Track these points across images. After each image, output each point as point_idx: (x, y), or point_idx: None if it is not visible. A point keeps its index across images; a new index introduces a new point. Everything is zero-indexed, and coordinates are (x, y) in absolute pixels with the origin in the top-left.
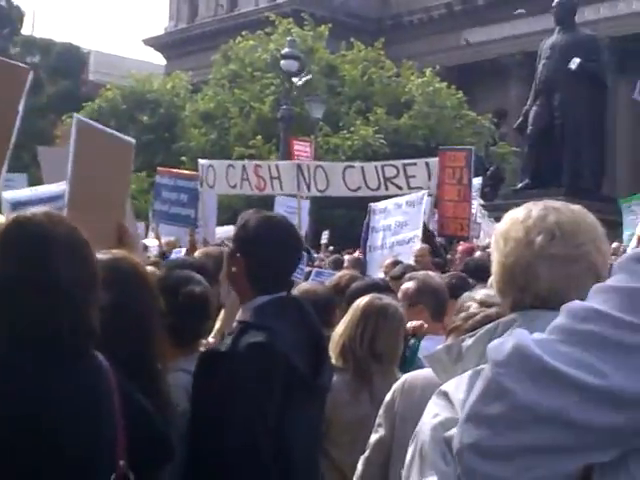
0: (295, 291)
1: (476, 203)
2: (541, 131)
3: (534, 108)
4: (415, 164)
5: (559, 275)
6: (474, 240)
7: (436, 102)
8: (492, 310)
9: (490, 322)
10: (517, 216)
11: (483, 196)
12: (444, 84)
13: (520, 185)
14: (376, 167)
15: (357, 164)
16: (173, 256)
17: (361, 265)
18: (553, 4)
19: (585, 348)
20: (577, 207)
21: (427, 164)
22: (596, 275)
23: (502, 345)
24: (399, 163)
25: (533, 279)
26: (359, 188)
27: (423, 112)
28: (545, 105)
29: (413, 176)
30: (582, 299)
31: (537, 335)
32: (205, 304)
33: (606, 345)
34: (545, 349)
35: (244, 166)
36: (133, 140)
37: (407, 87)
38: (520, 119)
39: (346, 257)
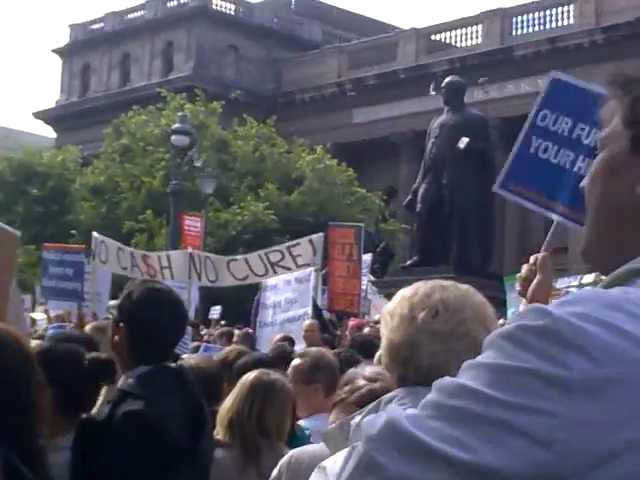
0: (181, 364)
1: (366, 279)
2: (430, 209)
3: (423, 186)
4: (299, 244)
5: (441, 351)
6: (365, 316)
7: (326, 179)
8: (377, 385)
9: (374, 396)
10: (405, 294)
11: (373, 272)
12: (335, 161)
13: (409, 262)
14: (260, 255)
15: (240, 257)
16: (53, 331)
17: (251, 340)
18: (442, 84)
19: (455, 423)
20: (465, 286)
21: (311, 241)
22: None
23: (375, 420)
24: (283, 247)
25: (415, 355)
26: (247, 277)
27: (314, 188)
28: (434, 183)
29: (299, 255)
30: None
31: (410, 410)
32: (91, 376)
33: (475, 420)
34: (416, 424)
35: (132, 253)
36: (18, 232)
37: (298, 164)
38: (409, 197)
39: (236, 332)
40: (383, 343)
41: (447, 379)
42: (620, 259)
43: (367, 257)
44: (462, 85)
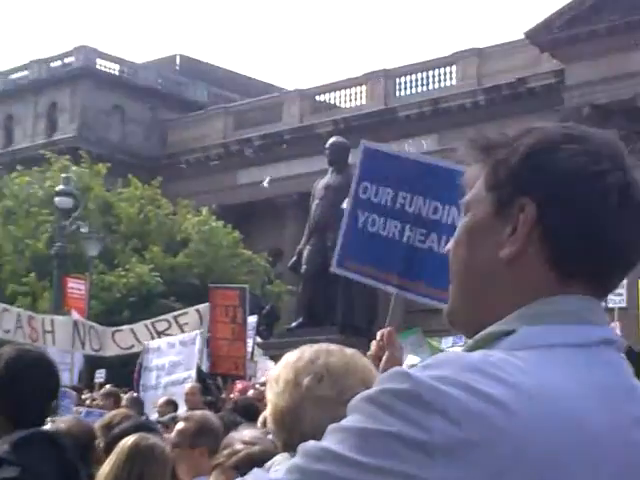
0: (57, 428)
1: (252, 341)
2: (315, 270)
3: (308, 247)
4: (186, 313)
5: (325, 417)
6: (251, 378)
7: (212, 241)
8: (256, 448)
9: (252, 460)
10: (290, 358)
11: (259, 334)
12: (220, 223)
13: (294, 324)
14: (146, 325)
15: (125, 327)
16: None
17: (139, 404)
18: (327, 145)
19: None
20: (351, 351)
21: (198, 310)
22: None
23: None
24: (170, 316)
25: (299, 420)
26: (132, 346)
27: (199, 250)
28: (318, 244)
29: (186, 324)
30: None
31: (273, 474)
32: None
33: None
34: None
35: (19, 314)
36: None
37: (183, 225)
38: (294, 258)
39: (124, 396)
40: (268, 408)
41: (312, 443)
42: (485, 322)
43: (252, 319)
44: (346, 146)
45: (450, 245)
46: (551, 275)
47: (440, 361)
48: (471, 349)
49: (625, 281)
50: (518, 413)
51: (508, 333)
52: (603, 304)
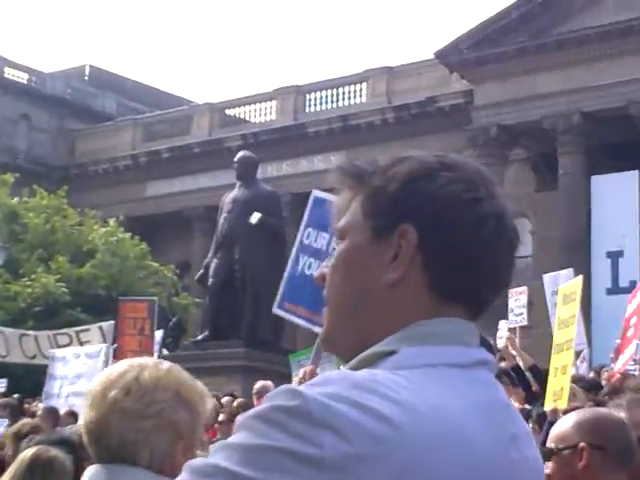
0: None
1: (156, 355)
2: (221, 283)
3: (215, 260)
4: (89, 330)
5: (129, 429)
6: None
7: (119, 252)
8: None
9: None
10: (105, 372)
11: (166, 347)
12: (128, 234)
13: (200, 337)
14: (48, 336)
15: (32, 332)
16: None
17: (54, 415)
18: (235, 159)
19: None
20: (168, 365)
21: (101, 328)
22: (176, 431)
23: None
24: (72, 331)
25: (106, 433)
26: (35, 356)
27: (106, 262)
28: (225, 258)
29: (87, 341)
30: (156, 455)
31: None
32: None
33: None
34: None
35: None
36: None
37: (90, 236)
38: (201, 271)
39: (27, 406)
40: (81, 420)
41: (199, 460)
42: (364, 345)
43: (158, 334)
44: (254, 160)
45: (326, 270)
46: (431, 298)
47: (328, 379)
48: (355, 369)
49: (525, 300)
50: (405, 429)
51: (390, 353)
52: (506, 324)
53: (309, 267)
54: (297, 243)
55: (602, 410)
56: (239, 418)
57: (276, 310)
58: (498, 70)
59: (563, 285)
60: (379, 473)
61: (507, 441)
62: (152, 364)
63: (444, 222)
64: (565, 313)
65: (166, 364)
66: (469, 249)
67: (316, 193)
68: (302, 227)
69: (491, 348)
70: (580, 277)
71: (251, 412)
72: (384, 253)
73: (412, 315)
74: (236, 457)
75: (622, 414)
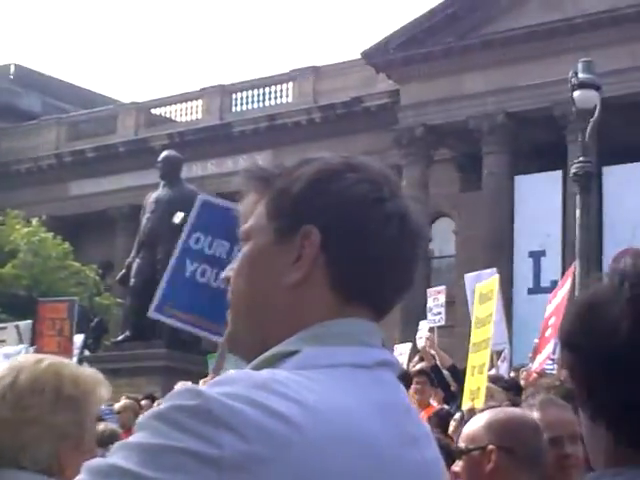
0: None
1: (75, 359)
2: (143, 283)
3: (137, 260)
4: (5, 328)
5: (7, 437)
6: None
7: (41, 252)
8: None
9: None
10: None
11: (87, 347)
12: (50, 234)
13: (121, 337)
14: None
15: None
16: None
17: None
18: (159, 159)
19: None
20: (47, 363)
21: (17, 327)
22: (60, 433)
23: None
24: None
25: None
26: None
27: (27, 261)
28: (148, 258)
29: (2, 340)
30: (40, 458)
31: None
32: None
33: None
34: None
35: None
36: None
37: (12, 236)
38: (123, 271)
39: None
40: None
41: (97, 460)
42: (267, 346)
43: (80, 337)
44: (178, 160)
45: (230, 273)
46: (334, 299)
47: (229, 379)
48: (256, 369)
49: (444, 300)
50: (304, 428)
51: (292, 353)
52: (427, 324)
53: (203, 274)
54: (181, 247)
55: (515, 411)
56: (139, 418)
57: (152, 314)
58: (424, 70)
59: (480, 284)
60: (278, 472)
61: (407, 441)
62: (30, 364)
63: (348, 223)
64: (482, 312)
65: (46, 361)
66: (372, 249)
67: (203, 197)
68: (188, 231)
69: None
70: (497, 276)
71: (150, 412)
72: (288, 254)
73: (315, 316)
74: (135, 457)
75: (535, 414)
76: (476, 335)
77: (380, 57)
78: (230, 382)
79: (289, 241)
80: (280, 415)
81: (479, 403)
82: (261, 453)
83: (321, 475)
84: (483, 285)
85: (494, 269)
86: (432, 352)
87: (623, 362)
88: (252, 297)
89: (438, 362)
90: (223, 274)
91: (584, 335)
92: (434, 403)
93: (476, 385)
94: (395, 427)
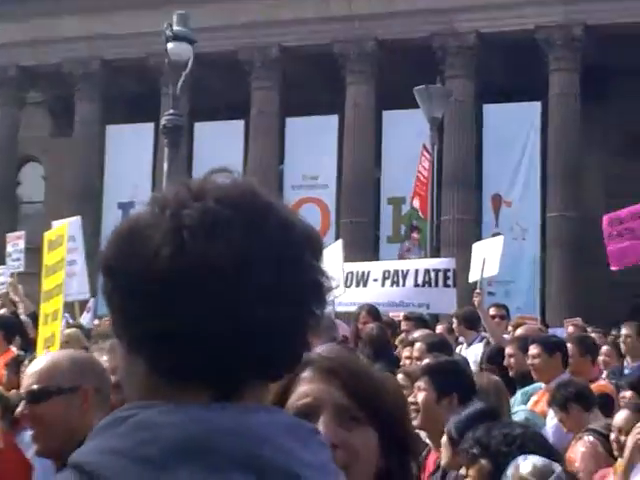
0: None
1: None
2: None
3: None
4: None
5: None
6: None
7: None
8: None
9: None
10: None
11: None
12: None
13: None
14: None
15: None
16: None
17: None
18: None
19: None
20: None
21: None
22: None
23: None
24: None
25: None
26: None
27: None
28: None
29: None
30: None
31: None
32: None
33: None
34: None
35: None
36: None
37: None
38: None
39: None
40: None
41: None
42: None
43: None
44: None
45: None
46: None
47: None
48: None
49: (23, 246)
50: None
51: None
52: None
53: None
54: None
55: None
56: None
57: None
58: (19, 10)
59: (48, 232)
60: None
61: None
62: None
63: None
64: (51, 259)
65: None
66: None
67: None
68: None
69: None
70: (65, 221)
71: None
72: None
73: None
74: None
75: (104, 358)
76: (47, 283)
77: None
78: None
79: None
80: None
81: (55, 349)
82: None
83: None
84: (51, 232)
85: (79, 217)
86: (16, 299)
87: (160, 291)
88: None
89: (20, 309)
90: None
91: (123, 260)
92: (14, 349)
93: (50, 332)
94: None
